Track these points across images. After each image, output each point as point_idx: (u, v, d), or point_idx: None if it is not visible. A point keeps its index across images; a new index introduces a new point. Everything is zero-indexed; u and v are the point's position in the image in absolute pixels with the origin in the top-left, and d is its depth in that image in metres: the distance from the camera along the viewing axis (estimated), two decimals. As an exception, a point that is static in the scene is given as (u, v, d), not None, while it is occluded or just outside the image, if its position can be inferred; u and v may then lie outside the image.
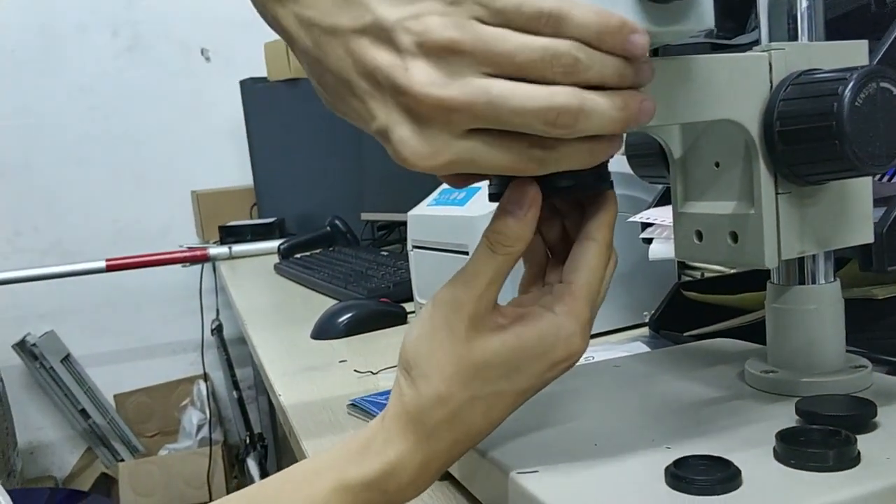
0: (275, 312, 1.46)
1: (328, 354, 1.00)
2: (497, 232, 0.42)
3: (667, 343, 0.83)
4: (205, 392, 2.78)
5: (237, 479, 2.69)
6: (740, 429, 0.49)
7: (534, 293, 0.47)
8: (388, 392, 0.78)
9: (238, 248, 2.22)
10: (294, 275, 1.66)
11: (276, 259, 1.94)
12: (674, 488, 0.41)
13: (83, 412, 2.68)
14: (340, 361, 0.96)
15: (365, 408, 0.74)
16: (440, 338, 0.42)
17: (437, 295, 0.43)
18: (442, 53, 0.37)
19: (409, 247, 1.11)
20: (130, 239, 2.76)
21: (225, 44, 2.84)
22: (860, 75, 0.43)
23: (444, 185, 1.06)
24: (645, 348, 0.82)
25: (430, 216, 1.04)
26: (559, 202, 0.47)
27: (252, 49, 2.51)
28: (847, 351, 0.54)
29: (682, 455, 0.43)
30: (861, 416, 0.46)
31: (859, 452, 0.42)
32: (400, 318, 1.12)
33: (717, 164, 0.51)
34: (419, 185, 0.96)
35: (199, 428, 2.71)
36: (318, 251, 1.93)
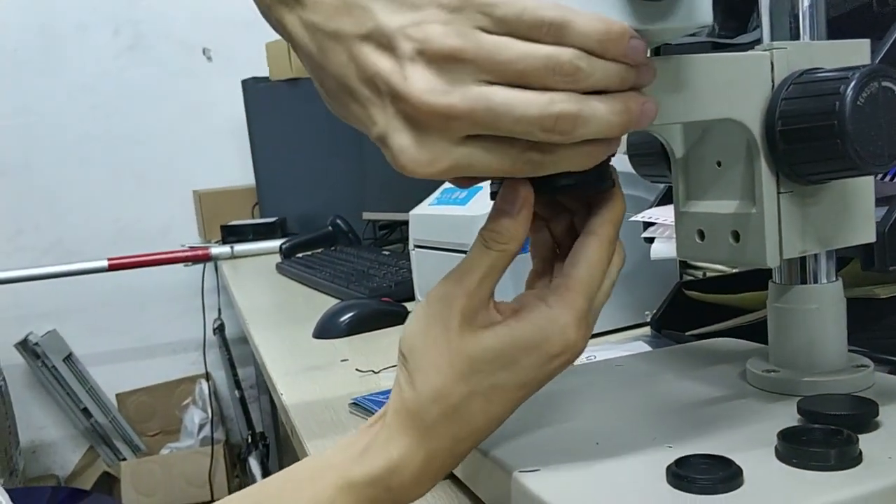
0: (277, 312, 1.46)
1: (330, 354, 1.00)
2: (491, 229, 0.43)
3: (668, 342, 0.83)
4: (206, 391, 2.78)
5: (239, 478, 2.69)
6: (742, 428, 0.49)
7: (537, 289, 0.47)
8: (389, 391, 0.78)
9: (240, 247, 2.22)
10: (296, 274, 1.66)
11: (277, 258, 1.94)
12: (675, 487, 0.41)
13: (85, 411, 2.68)
14: (342, 360, 0.96)
15: (367, 407, 0.74)
16: (434, 333, 0.42)
17: (432, 291, 0.43)
18: (442, 61, 0.37)
19: (410, 246, 1.11)
20: (132, 238, 2.76)
21: (226, 43, 2.83)
22: (862, 74, 0.43)
23: (446, 185, 1.07)
24: (646, 348, 0.82)
25: (431, 216, 1.04)
26: (566, 199, 0.47)
27: (254, 48, 2.51)
28: (849, 350, 0.54)
29: (683, 454, 0.43)
30: (863, 415, 0.46)
31: (861, 452, 0.42)
32: (401, 318, 1.12)
33: (719, 164, 0.51)
34: (421, 184, 0.96)
35: (201, 427, 2.71)
36: (319, 251, 1.93)
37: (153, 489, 2.55)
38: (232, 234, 2.31)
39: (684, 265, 1.01)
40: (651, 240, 0.77)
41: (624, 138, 0.45)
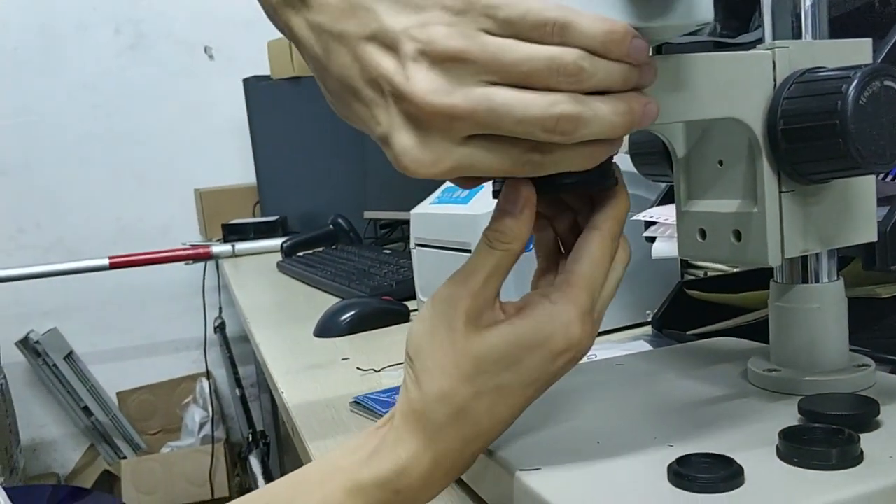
0: (278, 310, 1.46)
1: (331, 352, 1.00)
2: (494, 230, 0.43)
3: (669, 342, 0.83)
4: (207, 390, 2.78)
5: (239, 476, 2.69)
6: (743, 427, 0.49)
7: (541, 288, 0.47)
8: (390, 390, 0.78)
9: (241, 246, 2.22)
10: (297, 273, 1.66)
11: (278, 257, 1.94)
12: (676, 486, 0.41)
13: (86, 409, 2.68)
14: (343, 359, 0.96)
15: (368, 405, 0.74)
16: (440, 334, 0.42)
17: (437, 292, 0.43)
18: (446, 62, 0.37)
19: (411, 245, 1.11)
20: (133, 237, 2.76)
21: (228, 42, 2.84)
22: (864, 74, 0.43)
23: (447, 184, 1.07)
24: (648, 347, 0.82)
25: (432, 214, 1.04)
26: (570, 197, 0.47)
27: (255, 47, 2.51)
28: (850, 350, 0.54)
29: (684, 453, 0.43)
30: (864, 414, 0.46)
31: (862, 451, 0.42)
32: (402, 317, 1.12)
33: (721, 163, 0.51)
34: (422, 183, 0.96)
35: (202, 426, 2.72)
36: (320, 249, 1.93)
37: (154, 488, 2.55)
38: (233, 233, 2.31)
39: (685, 264, 1.01)
40: (652, 239, 0.77)
41: (626, 137, 0.45)
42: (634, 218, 0.78)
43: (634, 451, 0.46)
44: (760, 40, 0.53)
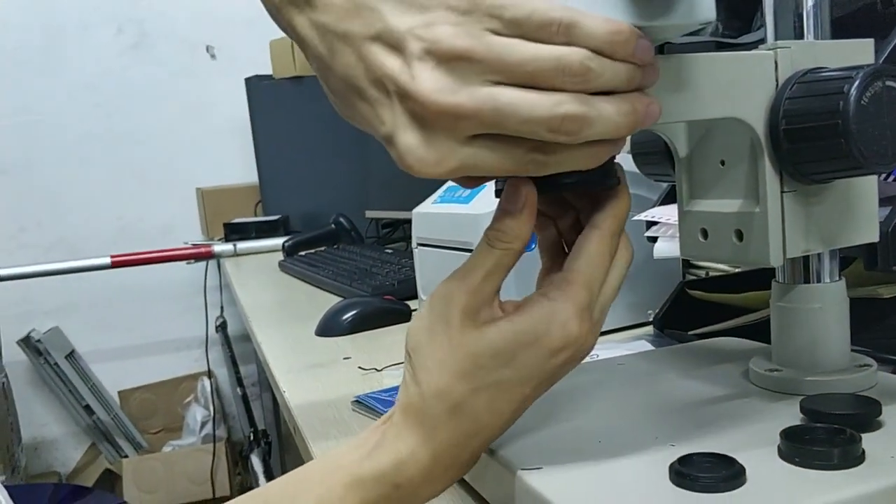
0: (279, 309, 1.46)
1: (332, 351, 1.00)
2: (494, 228, 0.43)
3: (671, 342, 0.83)
4: (209, 389, 2.78)
5: (240, 475, 2.70)
6: (745, 427, 0.49)
7: (543, 286, 0.47)
8: (392, 389, 0.78)
9: (243, 245, 2.22)
10: (298, 272, 1.66)
11: (280, 256, 1.94)
12: (678, 485, 0.41)
13: (87, 408, 2.69)
14: (345, 358, 0.96)
15: (369, 404, 0.74)
16: (437, 331, 0.42)
17: (435, 289, 0.43)
18: (451, 61, 0.37)
19: (413, 244, 1.11)
20: (134, 236, 2.76)
21: (230, 41, 2.84)
22: (866, 74, 0.43)
23: (449, 183, 1.07)
24: (649, 347, 0.82)
25: (434, 214, 1.04)
26: (572, 197, 0.47)
27: (257, 46, 2.51)
28: (852, 350, 0.54)
29: (686, 453, 0.43)
30: (866, 414, 0.46)
31: (864, 451, 0.42)
32: (404, 316, 1.12)
33: (723, 163, 0.51)
34: (424, 183, 0.96)
35: (203, 425, 2.72)
36: (322, 249, 1.93)
37: (155, 486, 2.55)
38: (235, 232, 2.32)
39: (687, 264, 1.01)
40: (654, 239, 0.77)
41: (628, 137, 0.45)
42: (636, 218, 0.78)
43: (636, 451, 0.46)
44: (762, 40, 0.53)
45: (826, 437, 0.43)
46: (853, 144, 0.43)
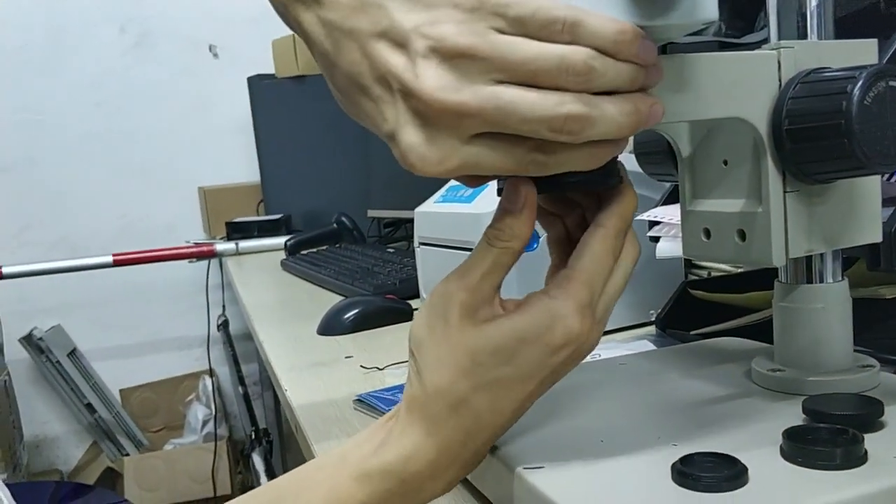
0: (281, 308, 1.46)
1: (334, 350, 1.00)
2: (494, 227, 0.43)
3: (673, 342, 0.83)
4: (210, 387, 2.78)
5: (242, 474, 2.70)
6: (747, 427, 0.49)
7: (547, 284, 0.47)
8: (394, 388, 0.78)
9: (245, 244, 2.22)
10: (300, 271, 1.66)
11: (282, 255, 1.94)
12: (680, 485, 0.41)
13: (89, 406, 2.69)
14: (346, 357, 0.96)
15: (371, 403, 0.74)
16: (436, 328, 0.43)
17: (435, 287, 0.44)
18: (455, 59, 0.37)
19: (415, 244, 1.11)
20: (137, 234, 2.76)
21: (233, 40, 2.84)
22: (869, 74, 0.43)
23: (452, 182, 1.07)
24: (651, 347, 0.82)
25: (436, 213, 1.04)
26: (579, 195, 0.47)
27: (260, 45, 2.51)
28: (854, 350, 0.54)
29: (688, 452, 0.43)
30: (868, 415, 0.46)
31: (866, 451, 0.42)
32: (406, 315, 1.12)
33: (726, 162, 0.51)
34: (426, 182, 0.96)
35: (205, 423, 2.72)
36: (324, 248, 1.93)
37: (156, 485, 2.56)
38: (237, 231, 2.32)
39: (689, 264, 1.01)
40: (656, 239, 0.77)
41: (630, 137, 0.45)
42: (638, 218, 0.77)
43: (638, 450, 0.46)
44: (766, 40, 0.53)
45: (828, 438, 0.43)
46: (856, 144, 0.43)
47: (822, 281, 0.53)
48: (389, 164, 0.42)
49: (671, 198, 0.79)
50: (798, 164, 0.47)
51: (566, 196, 0.47)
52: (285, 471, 0.46)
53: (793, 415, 0.48)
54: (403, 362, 0.86)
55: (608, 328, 0.90)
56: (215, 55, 2.87)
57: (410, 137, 0.39)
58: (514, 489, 0.46)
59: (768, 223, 0.48)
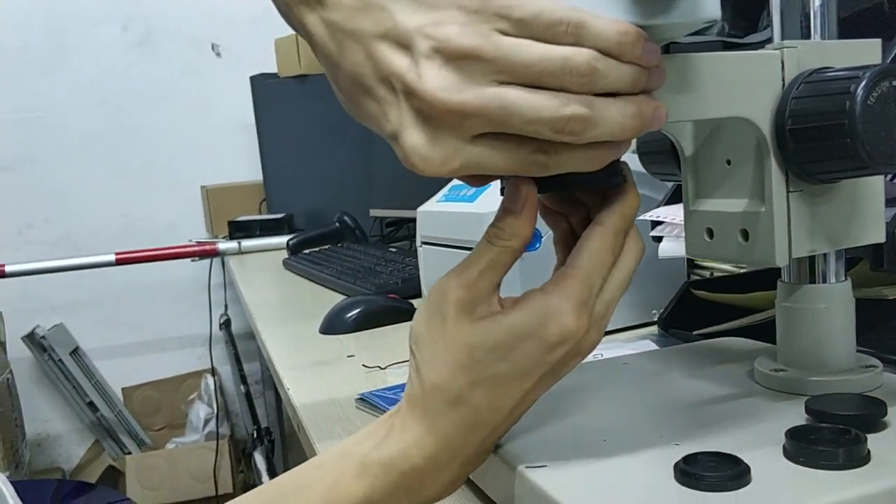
0: (283, 307, 1.46)
1: (336, 349, 1.00)
2: (494, 226, 0.43)
3: (676, 342, 0.83)
4: (212, 386, 2.78)
5: (243, 473, 2.70)
6: (750, 426, 0.49)
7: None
8: (396, 387, 0.78)
9: (247, 243, 2.22)
10: (303, 270, 1.67)
11: (284, 254, 1.94)
12: (683, 484, 0.41)
13: (91, 405, 2.69)
14: (349, 356, 0.96)
15: (373, 402, 0.74)
16: (434, 324, 0.43)
17: (434, 284, 0.44)
18: (459, 60, 0.37)
19: (418, 243, 1.11)
20: (139, 233, 2.76)
21: (235, 39, 2.84)
22: (873, 74, 0.43)
23: (454, 182, 1.07)
24: (653, 346, 0.82)
25: (439, 213, 1.04)
26: (584, 195, 0.47)
27: (262, 45, 2.51)
28: (857, 350, 0.54)
29: (691, 452, 0.43)
30: (871, 415, 0.46)
31: (869, 451, 0.42)
32: (408, 315, 1.12)
33: (729, 162, 0.51)
34: (428, 182, 0.96)
35: (207, 422, 2.72)
36: (326, 247, 1.93)
37: (158, 483, 2.56)
38: (239, 230, 2.32)
39: (692, 264, 1.01)
40: (659, 238, 0.77)
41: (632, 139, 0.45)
42: (641, 217, 0.78)
43: (641, 450, 0.46)
44: (769, 40, 0.53)
45: (831, 438, 0.43)
46: (859, 144, 0.43)
47: (825, 281, 0.53)
48: (392, 164, 0.42)
49: (674, 197, 0.79)
50: (801, 163, 0.46)
51: (572, 195, 0.47)
52: (287, 470, 0.46)
53: (795, 415, 0.48)
54: (405, 361, 0.86)
55: (611, 328, 0.91)
56: (218, 54, 2.88)
57: (413, 138, 0.39)
58: (516, 488, 0.46)
59: (771, 223, 0.48)
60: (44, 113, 2.72)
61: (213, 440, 2.62)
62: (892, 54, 0.56)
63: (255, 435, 2.37)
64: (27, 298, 2.66)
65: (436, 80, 0.37)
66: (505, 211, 0.43)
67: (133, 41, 2.79)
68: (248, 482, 2.65)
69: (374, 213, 2.03)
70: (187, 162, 2.83)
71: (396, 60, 0.39)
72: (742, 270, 0.92)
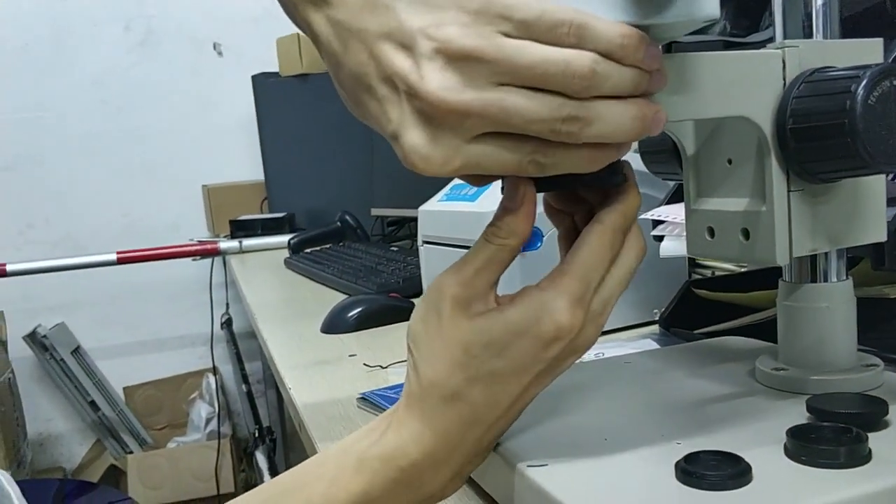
0: (285, 307, 1.46)
1: (338, 348, 1.00)
2: (492, 224, 0.43)
3: (677, 341, 0.83)
4: (214, 385, 2.78)
5: (245, 472, 2.70)
6: (751, 425, 0.49)
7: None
8: (397, 386, 0.78)
9: (248, 242, 2.23)
10: (304, 269, 1.67)
11: (286, 253, 1.94)
12: (684, 483, 0.41)
13: (93, 404, 2.69)
14: (350, 356, 0.96)
15: (374, 401, 0.74)
16: (431, 321, 0.44)
17: (432, 282, 0.44)
18: (460, 61, 0.37)
19: (419, 242, 1.11)
20: (141, 233, 2.76)
21: (237, 38, 2.84)
22: (873, 73, 0.43)
23: (455, 181, 1.07)
24: (655, 346, 0.82)
25: (440, 212, 1.04)
26: (588, 194, 0.47)
27: (264, 44, 2.52)
28: (858, 349, 0.54)
29: (692, 450, 0.43)
30: (872, 414, 0.46)
31: (870, 450, 0.42)
32: (409, 314, 1.11)
33: (730, 161, 0.51)
34: (429, 181, 0.96)
35: (208, 421, 2.72)
36: (328, 246, 1.93)
37: (160, 483, 2.56)
38: (241, 229, 2.32)
39: (693, 263, 1.01)
40: (661, 238, 0.77)
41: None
42: (643, 217, 0.78)
43: (642, 448, 0.46)
44: (771, 39, 0.53)
45: (832, 436, 0.43)
46: (860, 144, 0.43)
47: (826, 280, 0.53)
48: (393, 163, 0.42)
49: (675, 196, 0.79)
50: (802, 163, 0.47)
51: (576, 194, 0.48)
52: (288, 469, 0.46)
53: (797, 414, 0.48)
54: (406, 360, 0.86)
55: (612, 327, 0.91)
56: (219, 53, 2.88)
57: (414, 138, 0.39)
58: (516, 486, 0.46)
59: (772, 222, 0.48)
60: (45, 112, 2.72)
61: (215, 439, 2.62)
62: (894, 54, 0.56)
63: (256, 434, 2.37)
64: (28, 298, 2.67)
65: (437, 81, 0.37)
66: (503, 209, 0.43)
67: (135, 41, 2.79)
68: (249, 481, 2.65)
69: (375, 212, 2.03)
70: (189, 161, 2.83)
71: (399, 61, 0.39)
72: (743, 269, 0.92)
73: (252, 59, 2.64)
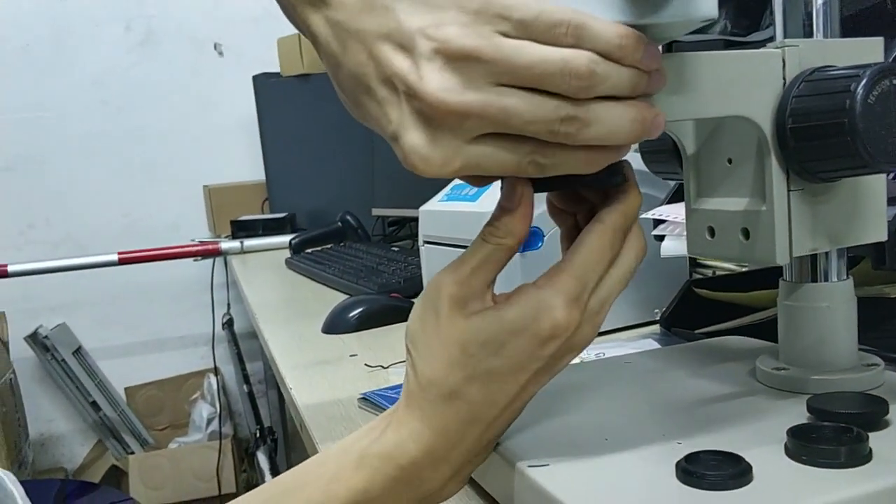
0: (286, 307, 1.46)
1: (339, 349, 1.01)
2: (490, 224, 0.43)
3: (678, 340, 0.83)
4: (215, 386, 2.79)
5: (246, 472, 2.70)
6: (752, 425, 0.49)
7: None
8: (398, 386, 0.78)
9: (249, 242, 2.22)
10: (305, 269, 1.67)
11: (287, 254, 1.94)
12: (685, 483, 0.41)
13: (94, 404, 2.69)
14: (351, 356, 0.96)
15: (375, 402, 0.75)
16: (428, 320, 0.44)
17: (429, 281, 0.44)
18: (459, 61, 0.37)
19: (420, 242, 1.11)
20: (142, 233, 2.76)
21: (238, 39, 2.84)
22: (873, 72, 0.43)
23: (456, 181, 1.07)
24: (656, 345, 0.82)
25: (441, 212, 1.04)
26: (590, 193, 0.47)
27: (265, 44, 2.52)
28: (859, 349, 0.54)
29: (693, 450, 0.43)
30: (873, 413, 0.46)
31: (871, 450, 0.42)
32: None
33: (730, 161, 0.51)
34: (430, 181, 0.96)
35: (209, 421, 2.72)
36: (329, 246, 1.93)
37: (161, 483, 2.56)
38: (242, 229, 2.32)
39: (694, 263, 1.01)
40: (661, 237, 0.77)
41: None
42: (643, 216, 0.78)
43: (642, 448, 0.46)
44: (771, 39, 0.53)
45: (833, 436, 0.43)
46: (860, 143, 0.43)
47: (826, 280, 0.53)
48: (394, 163, 0.42)
49: (676, 196, 0.79)
50: (802, 162, 0.47)
51: (578, 193, 0.48)
52: (290, 468, 0.46)
53: (797, 413, 0.48)
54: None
55: (613, 327, 0.91)
56: (220, 54, 2.88)
57: (413, 139, 0.39)
58: (517, 486, 0.46)
59: (772, 222, 0.48)
60: (46, 113, 2.72)
61: (216, 440, 2.63)
62: (894, 53, 0.56)
63: (257, 434, 2.37)
64: (29, 298, 2.67)
65: (436, 82, 0.37)
66: (501, 209, 0.43)
67: (135, 41, 2.79)
68: (251, 482, 2.65)
69: (376, 212, 2.03)
70: (189, 161, 2.83)
71: (398, 61, 0.39)
72: (744, 269, 0.92)
73: (253, 59, 2.64)
